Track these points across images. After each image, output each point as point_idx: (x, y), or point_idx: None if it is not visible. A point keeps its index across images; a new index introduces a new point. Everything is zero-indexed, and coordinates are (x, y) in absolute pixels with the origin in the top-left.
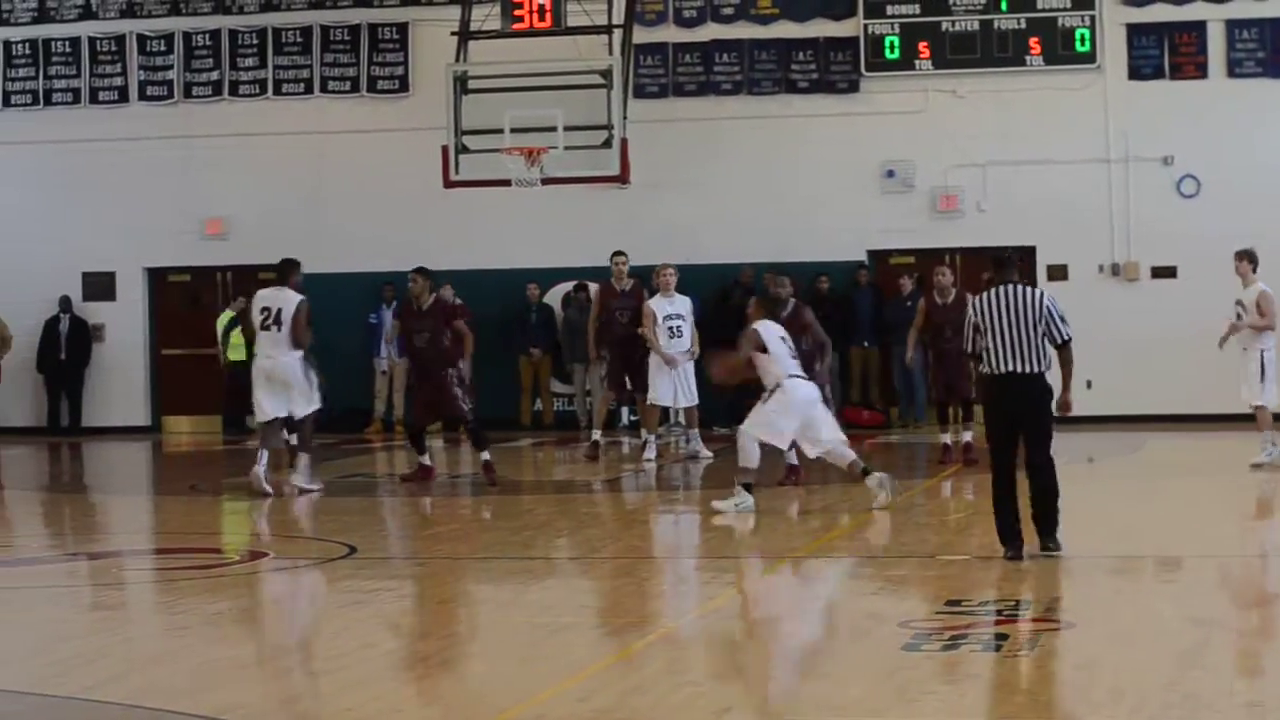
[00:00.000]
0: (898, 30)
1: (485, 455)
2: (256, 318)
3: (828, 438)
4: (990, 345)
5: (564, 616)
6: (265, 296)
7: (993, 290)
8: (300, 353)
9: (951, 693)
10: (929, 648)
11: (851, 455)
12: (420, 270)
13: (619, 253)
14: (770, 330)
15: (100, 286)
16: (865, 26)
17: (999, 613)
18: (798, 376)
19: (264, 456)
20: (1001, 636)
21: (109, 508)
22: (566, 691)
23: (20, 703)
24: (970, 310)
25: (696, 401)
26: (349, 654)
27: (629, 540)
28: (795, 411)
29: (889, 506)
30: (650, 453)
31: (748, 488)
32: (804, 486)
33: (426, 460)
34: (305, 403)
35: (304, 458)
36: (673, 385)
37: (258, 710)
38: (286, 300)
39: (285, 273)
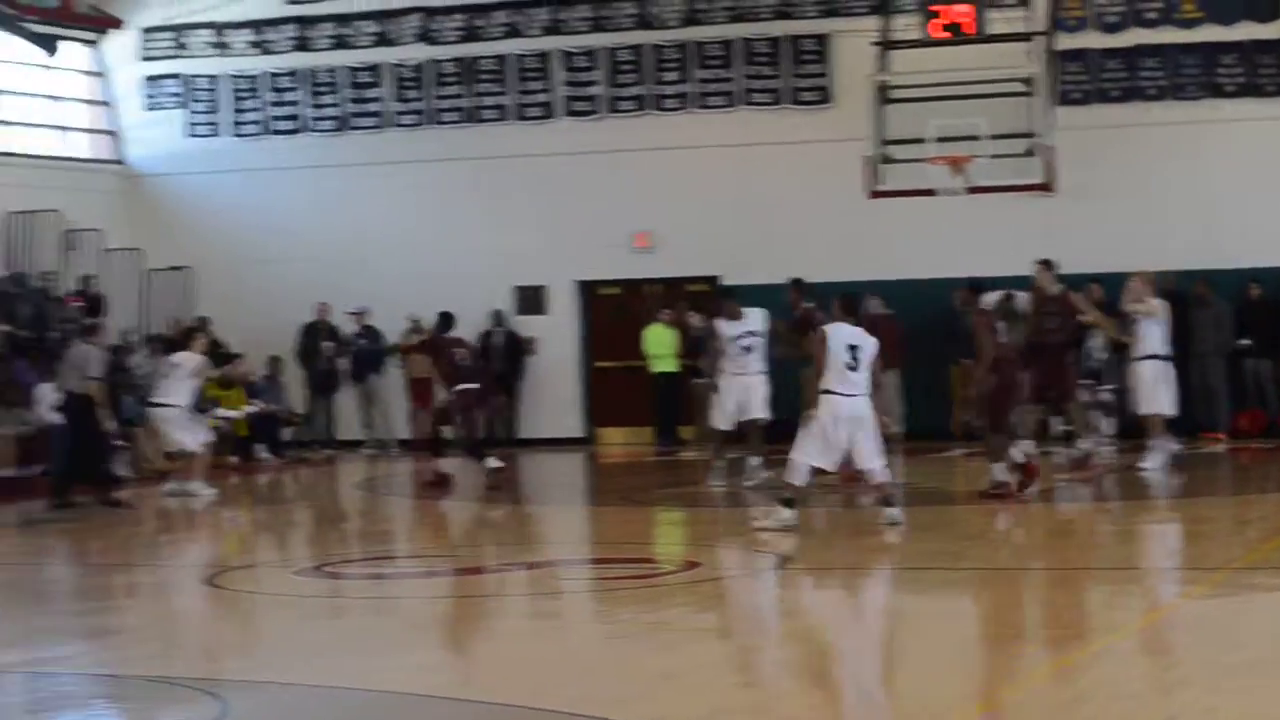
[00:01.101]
0: None
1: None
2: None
3: (865, 465)
4: None
5: (996, 628)
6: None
7: None
8: None
9: None
10: None
11: (885, 479)
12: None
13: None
14: (839, 335)
15: (532, 300)
16: None
17: None
18: (840, 393)
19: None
20: None
21: (545, 518)
22: (1003, 700)
23: (461, 711)
24: None
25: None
26: (775, 665)
27: (1064, 552)
28: (828, 430)
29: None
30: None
31: (788, 503)
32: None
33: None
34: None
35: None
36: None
37: None
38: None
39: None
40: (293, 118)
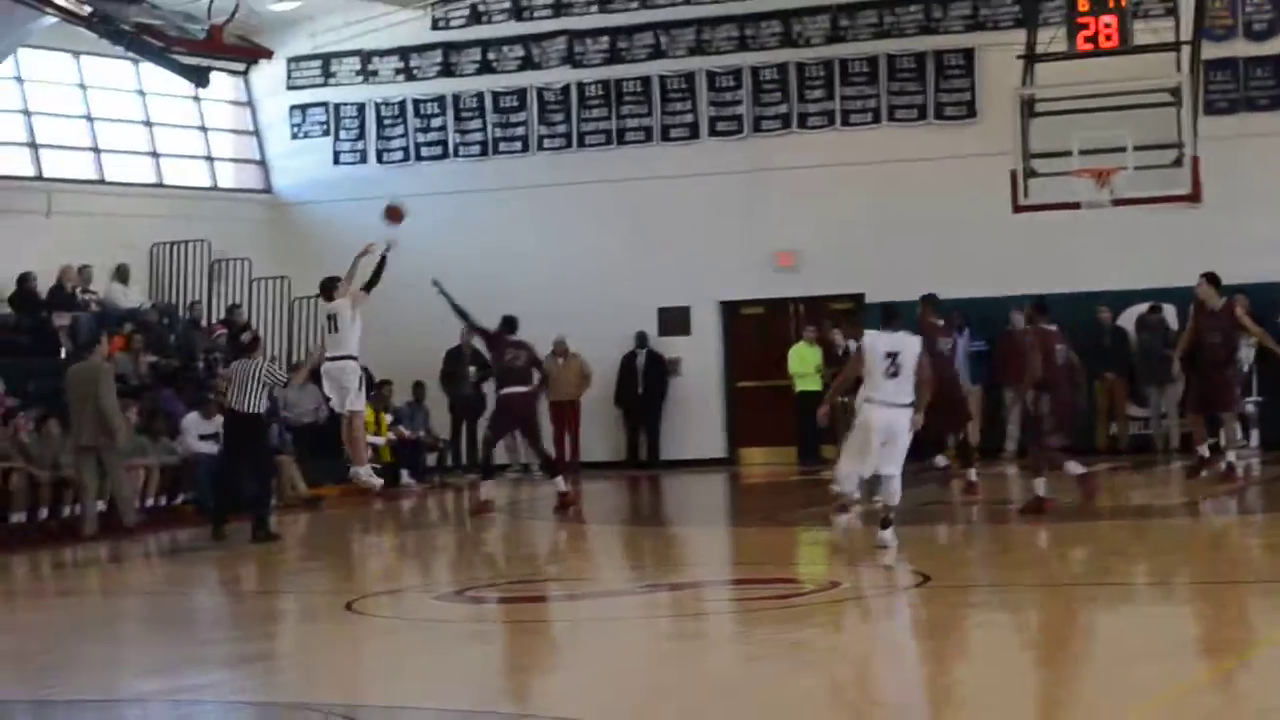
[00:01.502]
0: None
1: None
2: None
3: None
4: None
5: (1136, 644)
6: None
7: None
8: None
9: None
10: None
11: (892, 501)
12: None
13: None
14: (876, 344)
15: (675, 321)
16: None
17: None
18: (877, 401)
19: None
20: None
21: (688, 539)
22: (1147, 713)
23: None
24: None
25: None
26: (916, 685)
27: (1206, 566)
28: (864, 438)
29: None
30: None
31: (843, 509)
32: None
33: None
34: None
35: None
36: None
37: None
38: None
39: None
40: (439, 143)
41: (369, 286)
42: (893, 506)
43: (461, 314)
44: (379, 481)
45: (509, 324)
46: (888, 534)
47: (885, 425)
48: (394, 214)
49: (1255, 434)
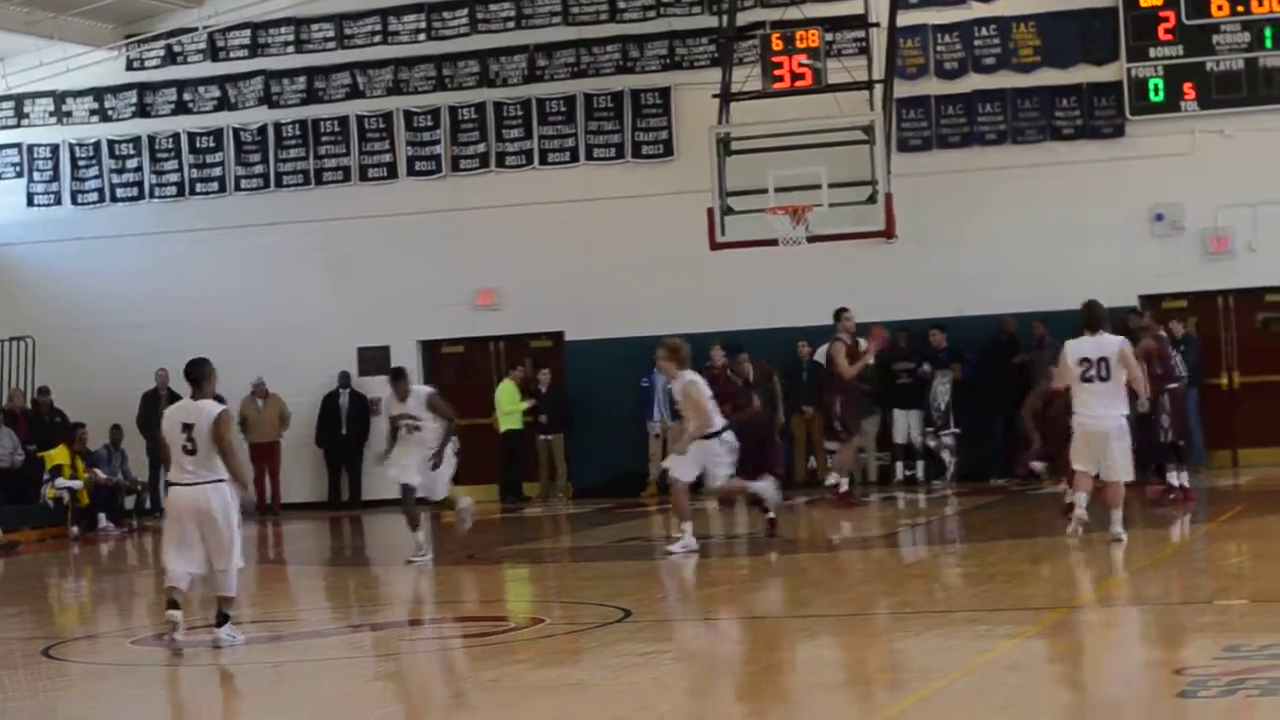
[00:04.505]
0: (1161, 73)
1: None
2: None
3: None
4: None
5: (836, 674)
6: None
7: None
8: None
9: None
10: (1206, 694)
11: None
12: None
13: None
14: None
15: (375, 360)
16: (1128, 70)
17: (1278, 656)
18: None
19: None
20: None
21: (389, 579)
22: None
23: None
24: None
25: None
26: (624, 718)
27: (904, 595)
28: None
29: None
30: None
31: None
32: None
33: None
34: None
35: None
36: None
37: None
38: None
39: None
40: (135, 184)
41: None
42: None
43: None
44: None
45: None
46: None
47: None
48: None
49: (952, 464)
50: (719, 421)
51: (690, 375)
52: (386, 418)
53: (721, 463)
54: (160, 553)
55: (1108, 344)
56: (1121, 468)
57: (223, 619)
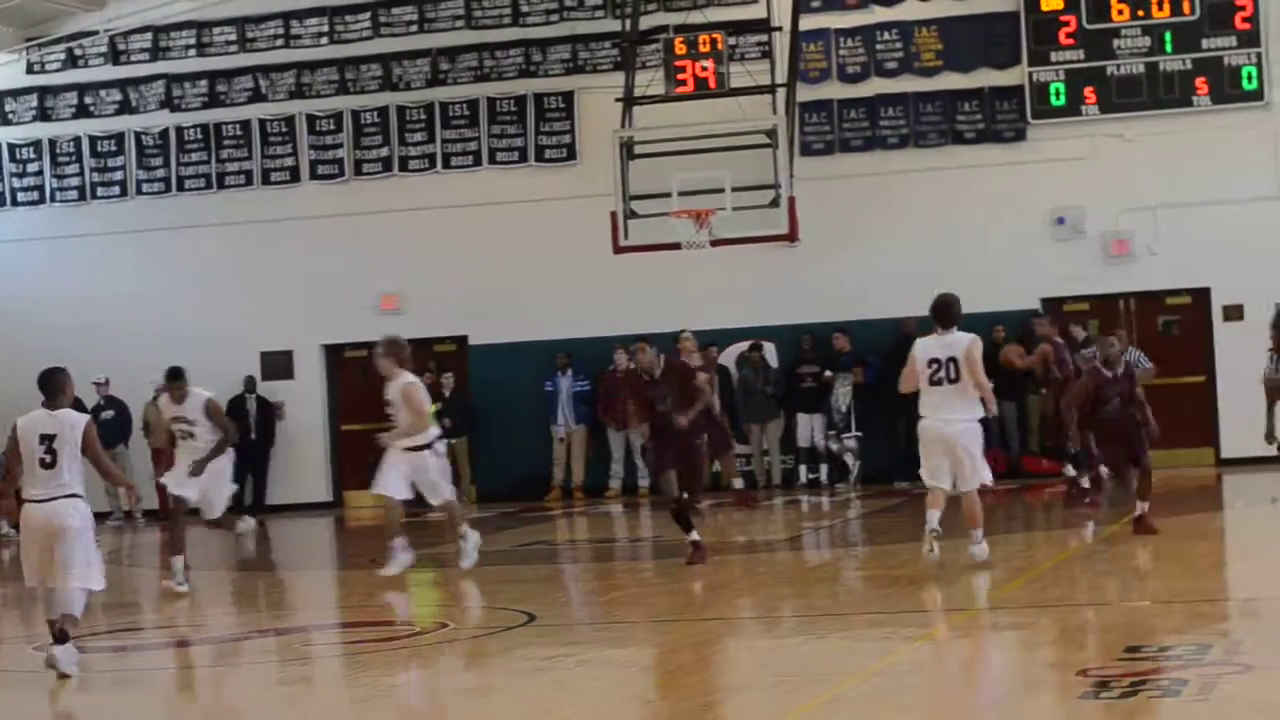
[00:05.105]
0: (1062, 77)
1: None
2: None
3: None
4: None
5: (742, 677)
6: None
7: None
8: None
9: None
10: (1109, 695)
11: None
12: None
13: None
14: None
15: (279, 365)
16: (1030, 74)
17: (1179, 658)
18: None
19: None
20: (1181, 682)
21: (294, 584)
22: None
23: None
24: None
25: None
26: None
27: (809, 599)
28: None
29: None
30: None
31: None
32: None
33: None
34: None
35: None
36: None
37: None
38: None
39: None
40: (35, 188)
41: None
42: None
43: None
44: None
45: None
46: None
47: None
48: None
49: (856, 467)
50: (434, 432)
51: (409, 377)
52: (163, 420)
53: (435, 476)
54: (24, 575)
55: (956, 343)
56: (975, 473)
57: (63, 637)
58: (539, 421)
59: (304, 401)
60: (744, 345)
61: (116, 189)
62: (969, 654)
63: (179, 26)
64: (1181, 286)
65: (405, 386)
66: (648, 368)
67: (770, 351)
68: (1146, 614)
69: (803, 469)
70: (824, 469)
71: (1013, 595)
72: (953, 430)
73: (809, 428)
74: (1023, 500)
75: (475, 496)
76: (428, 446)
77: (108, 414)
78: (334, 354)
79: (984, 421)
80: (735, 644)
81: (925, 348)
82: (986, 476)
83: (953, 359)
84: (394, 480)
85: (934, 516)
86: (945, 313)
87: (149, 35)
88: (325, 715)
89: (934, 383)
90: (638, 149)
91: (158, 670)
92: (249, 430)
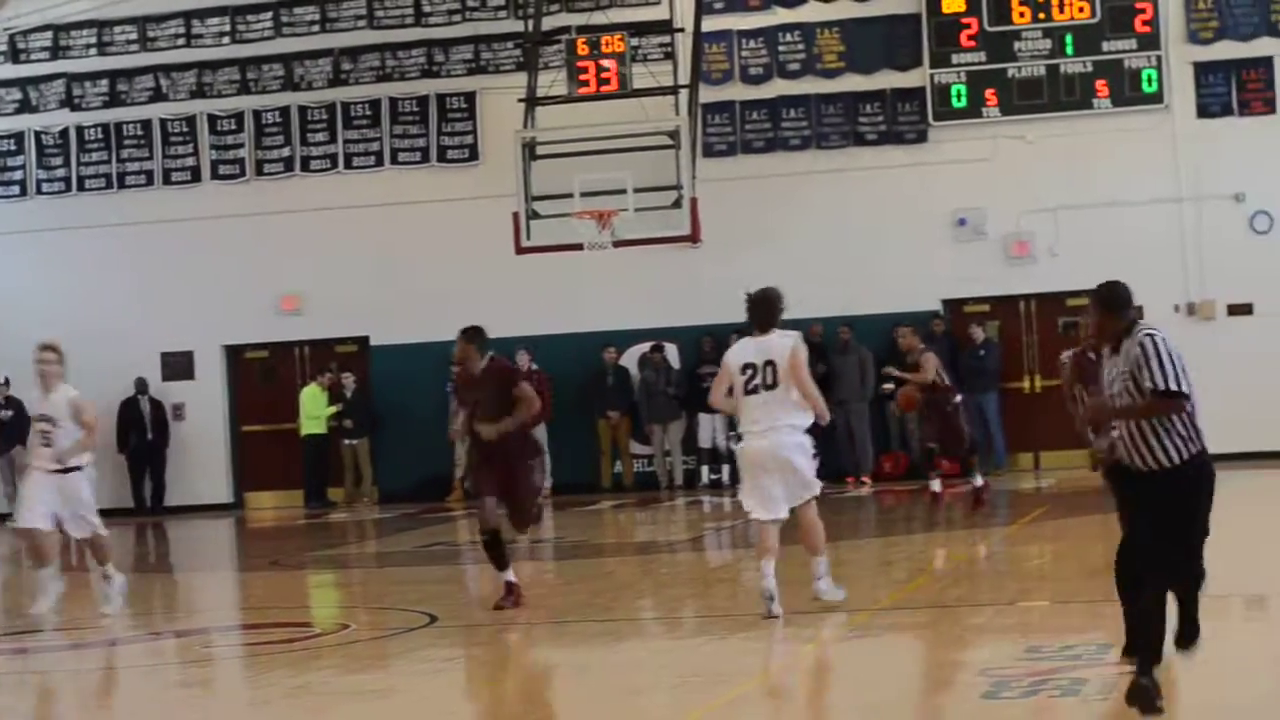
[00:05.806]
0: (964, 79)
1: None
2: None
3: None
4: None
5: (644, 678)
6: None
7: None
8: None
9: None
10: (1009, 695)
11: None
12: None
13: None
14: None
15: (179, 366)
16: (931, 76)
17: (1079, 657)
18: None
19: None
20: (1081, 681)
21: (193, 585)
22: None
23: None
24: None
25: None
26: None
27: (710, 599)
28: None
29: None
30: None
31: None
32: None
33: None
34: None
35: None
36: None
37: None
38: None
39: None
40: None
41: None
42: None
43: None
44: None
45: None
46: None
47: None
48: None
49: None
50: (87, 458)
51: (74, 391)
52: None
53: (83, 508)
54: None
55: (774, 345)
56: (804, 485)
57: None
58: (440, 422)
59: (204, 402)
60: (646, 346)
61: (16, 188)
62: (870, 654)
63: (79, 25)
64: (1082, 288)
65: (73, 400)
66: (461, 360)
67: (672, 352)
68: (1046, 614)
69: (704, 469)
70: (725, 469)
71: (913, 595)
72: (773, 440)
73: (711, 428)
74: (922, 501)
75: (377, 497)
76: (79, 469)
77: (6, 414)
78: (235, 355)
79: (813, 429)
80: (637, 644)
81: (739, 353)
82: (816, 488)
83: (770, 363)
84: (37, 513)
85: (768, 570)
86: (762, 311)
87: (49, 34)
88: (225, 718)
89: (749, 391)
90: (540, 150)
91: (55, 673)
92: (144, 432)
